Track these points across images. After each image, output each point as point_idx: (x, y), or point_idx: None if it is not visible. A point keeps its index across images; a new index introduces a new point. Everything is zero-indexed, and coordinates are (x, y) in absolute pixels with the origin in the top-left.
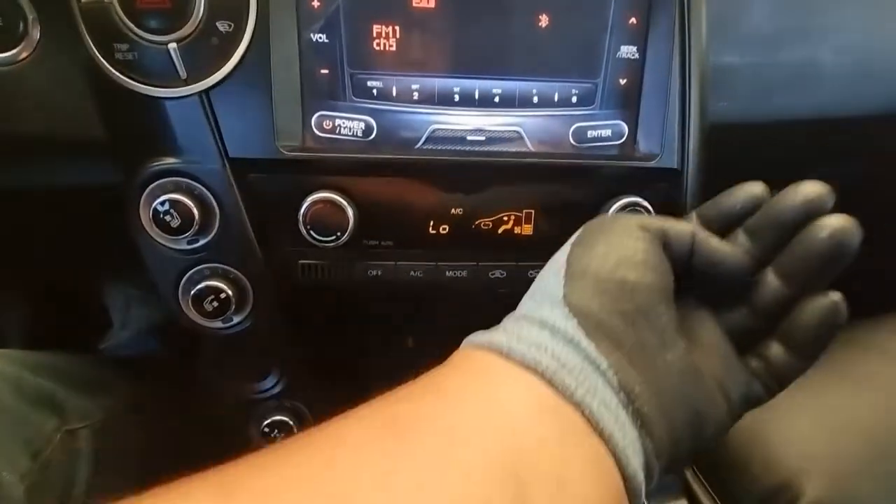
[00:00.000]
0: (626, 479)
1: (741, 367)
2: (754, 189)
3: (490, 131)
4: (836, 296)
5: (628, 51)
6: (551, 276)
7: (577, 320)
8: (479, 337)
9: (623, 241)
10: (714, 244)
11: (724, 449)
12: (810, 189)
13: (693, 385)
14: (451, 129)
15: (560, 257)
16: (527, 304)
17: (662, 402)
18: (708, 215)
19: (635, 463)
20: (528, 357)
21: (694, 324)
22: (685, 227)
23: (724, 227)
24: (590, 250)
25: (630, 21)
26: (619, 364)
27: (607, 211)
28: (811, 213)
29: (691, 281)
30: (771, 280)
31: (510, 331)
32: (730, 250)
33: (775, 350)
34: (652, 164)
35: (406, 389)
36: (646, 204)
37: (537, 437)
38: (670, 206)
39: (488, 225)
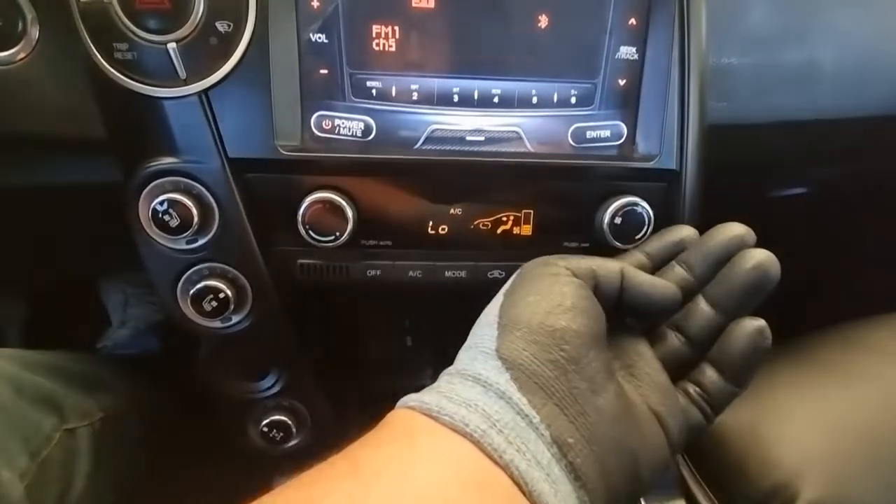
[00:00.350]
0: None
1: (679, 395)
2: (688, 230)
3: (489, 132)
4: (760, 322)
5: (627, 51)
6: (485, 328)
7: (510, 374)
8: (411, 398)
9: (553, 288)
10: (642, 279)
11: (722, 449)
12: (737, 228)
13: (627, 428)
14: (451, 130)
15: (493, 308)
16: (462, 357)
17: (596, 451)
18: (649, 250)
19: None
20: (458, 418)
21: (631, 356)
22: (613, 266)
23: (662, 260)
24: (521, 299)
25: (629, 22)
26: (551, 416)
27: (606, 211)
28: (737, 248)
29: (625, 314)
30: (703, 307)
31: (443, 389)
32: (658, 284)
33: (710, 375)
34: (651, 164)
35: (319, 468)
36: (645, 204)
37: None
38: (669, 206)
39: (487, 225)
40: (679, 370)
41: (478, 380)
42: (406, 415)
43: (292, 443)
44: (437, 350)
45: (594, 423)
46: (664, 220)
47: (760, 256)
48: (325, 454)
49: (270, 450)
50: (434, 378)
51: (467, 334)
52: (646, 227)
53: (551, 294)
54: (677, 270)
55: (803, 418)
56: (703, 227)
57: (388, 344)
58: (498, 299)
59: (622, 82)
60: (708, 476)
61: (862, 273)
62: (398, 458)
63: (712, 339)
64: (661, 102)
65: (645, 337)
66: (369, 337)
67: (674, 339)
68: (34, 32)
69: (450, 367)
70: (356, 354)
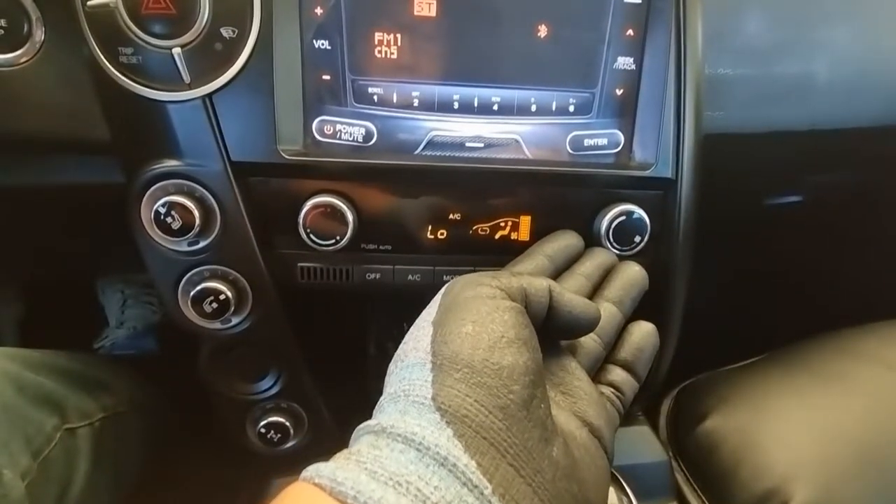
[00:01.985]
0: None
1: (604, 401)
2: (572, 234)
3: (488, 138)
4: (651, 324)
5: (625, 62)
6: (415, 369)
7: (453, 429)
8: (320, 469)
9: (492, 315)
10: (568, 298)
11: (715, 454)
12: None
13: (578, 478)
14: (451, 136)
15: (421, 341)
16: (389, 409)
17: None
18: (550, 253)
19: None
20: None
21: (558, 373)
22: (542, 284)
23: (564, 262)
24: (457, 331)
25: (627, 33)
26: (505, 482)
27: (603, 218)
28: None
29: (548, 332)
30: (608, 306)
31: (365, 458)
32: (583, 303)
33: (620, 374)
34: (647, 173)
35: None
36: (641, 212)
37: None
38: (665, 213)
39: (485, 230)
40: (592, 372)
41: (410, 441)
42: (309, 494)
43: (290, 444)
44: None
45: (550, 480)
46: (661, 227)
47: (637, 265)
48: (322, 456)
49: (268, 451)
50: None
51: None
52: (643, 235)
53: (492, 323)
54: (579, 279)
55: (795, 424)
56: (698, 233)
57: (386, 347)
58: (424, 329)
59: (620, 92)
60: (701, 480)
61: (855, 280)
62: None
63: (616, 338)
64: (657, 112)
65: (568, 348)
66: (368, 340)
67: (590, 342)
68: (39, 35)
69: (371, 422)
70: (355, 357)
